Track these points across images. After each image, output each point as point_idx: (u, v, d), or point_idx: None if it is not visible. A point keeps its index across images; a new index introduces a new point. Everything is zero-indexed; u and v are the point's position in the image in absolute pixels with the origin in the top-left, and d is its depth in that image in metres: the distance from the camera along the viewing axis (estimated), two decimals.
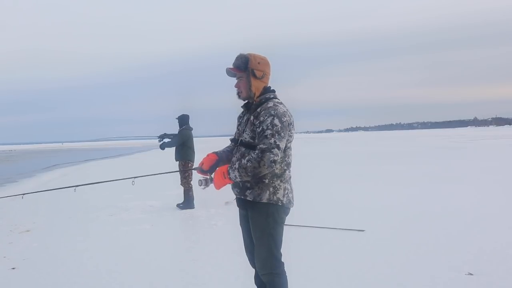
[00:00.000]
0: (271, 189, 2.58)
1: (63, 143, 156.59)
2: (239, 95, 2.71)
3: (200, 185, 2.74)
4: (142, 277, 3.94)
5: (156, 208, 7.81)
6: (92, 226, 6.47)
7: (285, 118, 2.53)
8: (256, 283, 2.83)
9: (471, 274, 3.67)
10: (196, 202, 7.82)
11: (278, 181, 2.59)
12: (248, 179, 2.53)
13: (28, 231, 6.27)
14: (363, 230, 5.32)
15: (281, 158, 2.56)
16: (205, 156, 2.81)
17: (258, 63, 2.65)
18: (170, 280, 3.81)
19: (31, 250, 5.13)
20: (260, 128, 2.50)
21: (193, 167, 2.82)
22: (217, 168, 2.68)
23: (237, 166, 2.52)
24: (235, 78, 2.71)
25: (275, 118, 2.49)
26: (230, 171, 2.56)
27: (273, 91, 2.72)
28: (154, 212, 7.46)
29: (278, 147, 2.45)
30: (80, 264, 4.46)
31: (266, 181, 2.57)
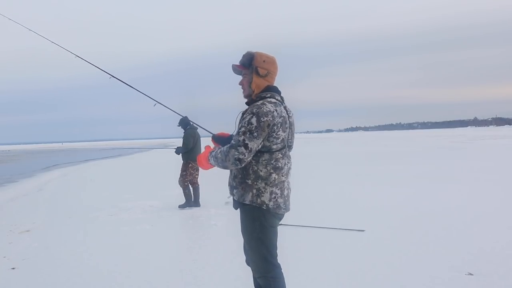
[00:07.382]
0: (254, 191, 2.51)
1: (63, 143, 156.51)
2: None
3: None
4: (142, 277, 3.94)
5: (156, 208, 7.81)
6: (92, 226, 6.47)
7: (265, 118, 2.42)
8: (255, 284, 2.82)
9: (471, 274, 3.67)
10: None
11: (263, 184, 2.51)
12: (218, 167, 2.58)
13: (28, 231, 6.28)
14: (363, 230, 5.33)
15: (265, 160, 2.50)
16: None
17: (263, 61, 2.60)
18: (170, 280, 3.81)
19: (31, 250, 5.13)
20: (240, 125, 2.50)
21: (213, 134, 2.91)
22: (208, 149, 2.74)
23: (213, 154, 2.58)
24: (240, 75, 2.69)
25: (253, 116, 2.43)
26: (209, 156, 2.63)
27: (276, 91, 2.64)
28: (154, 212, 7.47)
29: (246, 146, 2.40)
30: (80, 264, 4.46)
31: (249, 182, 2.52)
